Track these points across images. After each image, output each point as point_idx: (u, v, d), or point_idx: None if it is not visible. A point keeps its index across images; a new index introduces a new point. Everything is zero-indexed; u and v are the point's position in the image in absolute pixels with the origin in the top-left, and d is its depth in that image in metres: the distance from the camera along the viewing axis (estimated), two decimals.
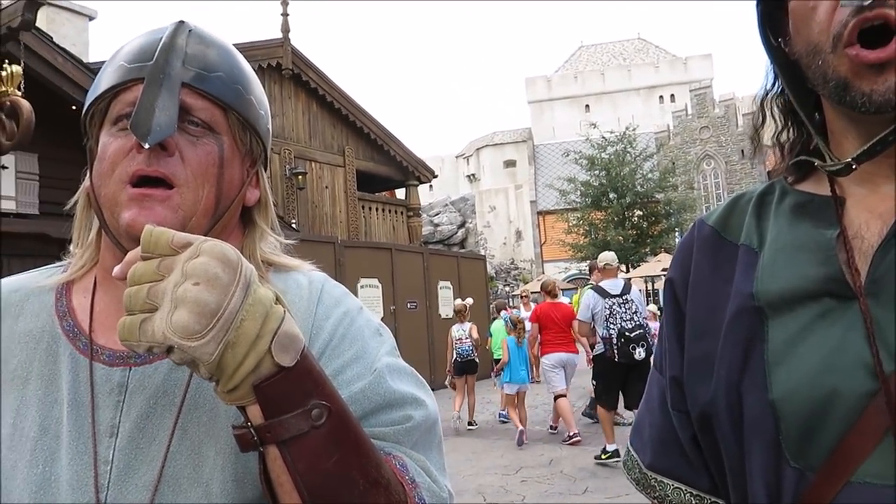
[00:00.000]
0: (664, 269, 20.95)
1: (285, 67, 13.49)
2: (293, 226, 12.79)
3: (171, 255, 0.60)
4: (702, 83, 39.71)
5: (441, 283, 13.65)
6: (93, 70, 8.01)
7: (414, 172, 16.74)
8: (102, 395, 0.78)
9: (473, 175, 48.47)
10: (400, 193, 18.18)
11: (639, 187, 27.24)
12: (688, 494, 0.80)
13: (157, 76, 0.79)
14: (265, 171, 0.94)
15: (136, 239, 0.73)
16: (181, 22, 0.86)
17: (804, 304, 0.69)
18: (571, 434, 7.15)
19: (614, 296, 6.23)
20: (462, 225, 43.55)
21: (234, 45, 0.91)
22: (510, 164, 46.09)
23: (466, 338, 8.66)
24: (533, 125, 47.85)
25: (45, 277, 0.89)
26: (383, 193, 17.55)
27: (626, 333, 6.00)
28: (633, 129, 28.56)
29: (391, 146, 15.97)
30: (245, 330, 0.60)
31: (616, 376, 6.24)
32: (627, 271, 26.19)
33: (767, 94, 0.82)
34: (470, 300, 9.70)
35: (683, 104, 39.81)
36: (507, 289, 35.07)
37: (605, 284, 6.48)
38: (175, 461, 0.75)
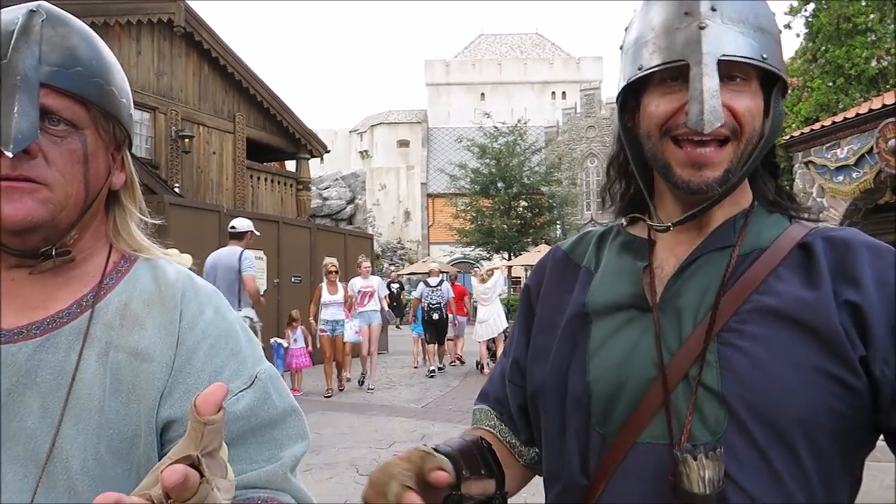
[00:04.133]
0: None
1: (177, 24, 12.93)
2: (176, 190, 12.37)
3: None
4: (592, 84, 41.39)
5: (326, 259, 13.66)
6: None
7: (306, 145, 16.54)
8: None
9: (366, 151, 48.13)
10: (290, 165, 17.91)
11: (526, 179, 28.11)
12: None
13: (14, 77, 0.78)
14: (129, 151, 0.95)
15: (9, 230, 0.80)
16: (32, 11, 0.83)
17: (617, 313, 0.96)
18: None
19: (432, 286, 11.65)
20: (351, 201, 43.22)
21: None
22: (404, 143, 46.13)
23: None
24: (429, 108, 48.06)
25: None
26: (273, 164, 17.23)
27: (431, 305, 11.44)
28: (525, 122, 29.41)
29: (284, 117, 15.69)
30: None
31: (428, 326, 11.60)
32: (509, 259, 27.09)
33: (612, 161, 1.09)
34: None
35: (573, 102, 41.37)
36: (392, 268, 35.32)
37: (430, 280, 11.82)
38: (36, 438, 0.79)
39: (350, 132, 50.78)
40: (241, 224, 6.80)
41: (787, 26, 17.33)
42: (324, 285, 9.48)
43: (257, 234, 7.16)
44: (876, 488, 4.36)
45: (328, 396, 9.13)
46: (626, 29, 1.01)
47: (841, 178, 12.58)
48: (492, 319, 11.01)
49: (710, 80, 0.86)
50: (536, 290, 1.10)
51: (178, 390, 0.84)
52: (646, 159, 0.98)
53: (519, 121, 29.39)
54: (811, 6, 16.59)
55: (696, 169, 0.90)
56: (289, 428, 0.91)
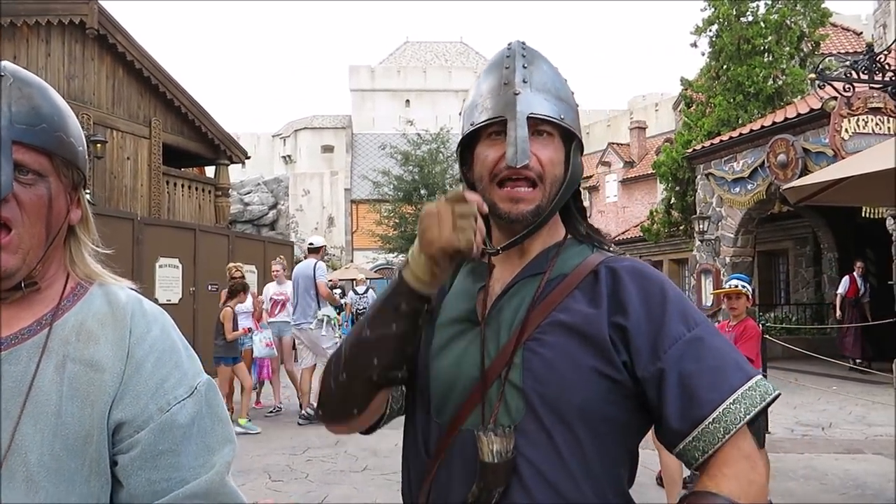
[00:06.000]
0: None
1: (90, 27, 12.60)
2: (87, 197, 12.01)
3: None
4: None
5: (246, 267, 13.56)
6: None
7: (225, 151, 16.33)
8: None
9: (289, 156, 47.55)
10: (210, 171, 17.63)
11: (448, 186, 28.51)
12: None
13: None
14: (84, 189, 1.08)
15: None
16: (1, 75, 0.97)
17: (454, 325, 1.21)
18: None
19: (359, 293, 15.28)
20: (274, 206, 42.56)
21: None
22: (328, 149, 45.82)
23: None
24: (353, 113, 47.92)
25: None
26: (191, 170, 16.92)
27: (359, 311, 12.61)
28: (448, 130, 29.82)
29: (203, 122, 15.46)
30: None
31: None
32: None
33: None
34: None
35: None
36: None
37: (357, 288, 15.64)
38: None
39: (273, 136, 50.04)
40: (317, 241, 8.60)
41: (694, 45, 18.29)
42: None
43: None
44: None
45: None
46: (464, 100, 1.29)
47: (737, 189, 13.44)
48: None
49: (521, 130, 1.14)
50: None
51: (128, 396, 0.98)
52: None
53: (442, 129, 29.77)
54: (715, 27, 17.56)
55: (514, 203, 1.16)
56: (217, 434, 1.03)
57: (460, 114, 1.29)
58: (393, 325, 1.11)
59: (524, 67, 1.19)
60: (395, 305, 1.10)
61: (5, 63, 1.01)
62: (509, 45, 1.24)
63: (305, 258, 8.55)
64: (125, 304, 1.06)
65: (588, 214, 1.32)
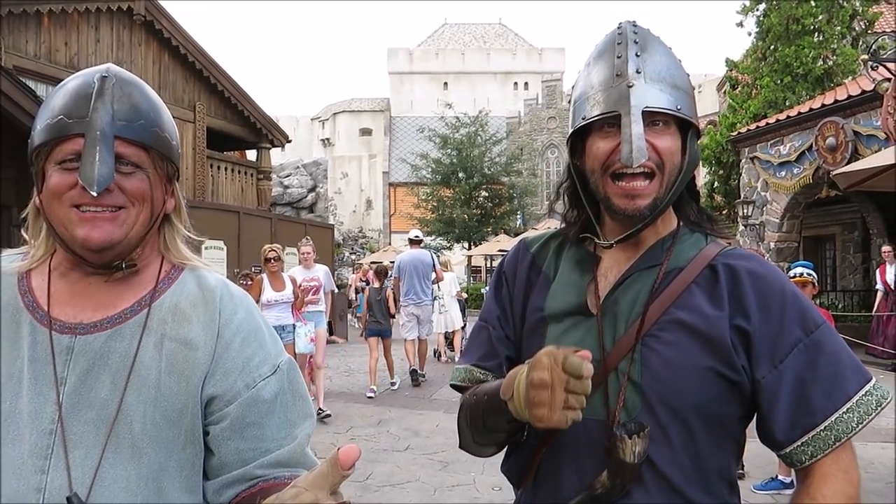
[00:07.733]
0: (501, 250, 22.25)
1: (137, 13, 12.84)
2: None
3: None
4: (553, 75, 41.91)
5: (288, 249, 13.78)
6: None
7: (267, 135, 16.50)
8: (55, 354, 1.02)
9: (328, 139, 47.89)
10: (251, 154, 17.88)
11: (486, 170, 28.45)
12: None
13: (94, 132, 1.01)
14: (177, 181, 1.17)
15: (91, 249, 1.02)
16: (105, 76, 1.06)
17: (566, 318, 1.19)
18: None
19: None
20: (313, 189, 42.97)
21: None
22: (366, 132, 46.03)
23: None
24: (392, 96, 48.02)
25: (6, 263, 1.11)
26: (233, 153, 17.16)
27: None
28: (486, 114, 29.69)
29: (245, 106, 15.64)
30: None
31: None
32: (469, 248, 27.40)
33: (564, 190, 1.31)
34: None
35: (535, 93, 41.78)
36: (354, 256, 35.34)
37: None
38: (107, 406, 1.00)
39: (312, 120, 50.41)
40: (420, 234, 10.06)
41: (740, 24, 17.83)
42: (265, 279, 7.12)
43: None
44: None
45: None
46: (573, 87, 1.26)
47: (783, 173, 13.15)
48: (451, 314, 11.46)
49: (636, 126, 1.11)
50: (511, 277, 1.31)
51: (218, 373, 1.07)
52: (591, 191, 1.20)
53: (480, 111, 29.65)
54: (762, 6, 17.07)
55: (630, 199, 1.13)
56: (298, 409, 1.11)
57: (569, 101, 1.24)
58: (507, 425, 1.13)
59: (637, 56, 1.14)
60: (504, 421, 1.11)
61: (109, 65, 1.10)
62: (619, 27, 1.19)
63: (411, 247, 9.79)
64: (214, 287, 1.15)
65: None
